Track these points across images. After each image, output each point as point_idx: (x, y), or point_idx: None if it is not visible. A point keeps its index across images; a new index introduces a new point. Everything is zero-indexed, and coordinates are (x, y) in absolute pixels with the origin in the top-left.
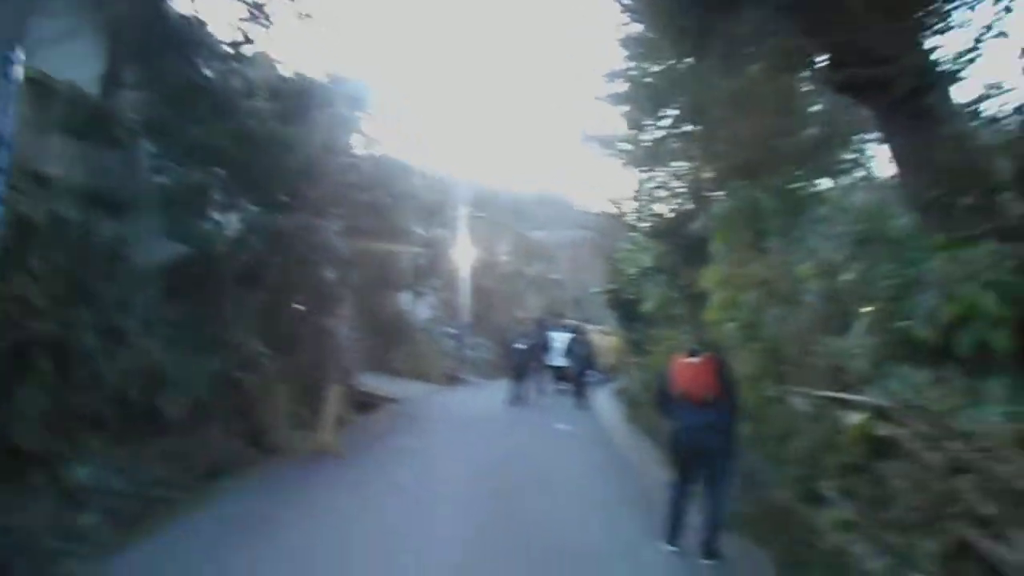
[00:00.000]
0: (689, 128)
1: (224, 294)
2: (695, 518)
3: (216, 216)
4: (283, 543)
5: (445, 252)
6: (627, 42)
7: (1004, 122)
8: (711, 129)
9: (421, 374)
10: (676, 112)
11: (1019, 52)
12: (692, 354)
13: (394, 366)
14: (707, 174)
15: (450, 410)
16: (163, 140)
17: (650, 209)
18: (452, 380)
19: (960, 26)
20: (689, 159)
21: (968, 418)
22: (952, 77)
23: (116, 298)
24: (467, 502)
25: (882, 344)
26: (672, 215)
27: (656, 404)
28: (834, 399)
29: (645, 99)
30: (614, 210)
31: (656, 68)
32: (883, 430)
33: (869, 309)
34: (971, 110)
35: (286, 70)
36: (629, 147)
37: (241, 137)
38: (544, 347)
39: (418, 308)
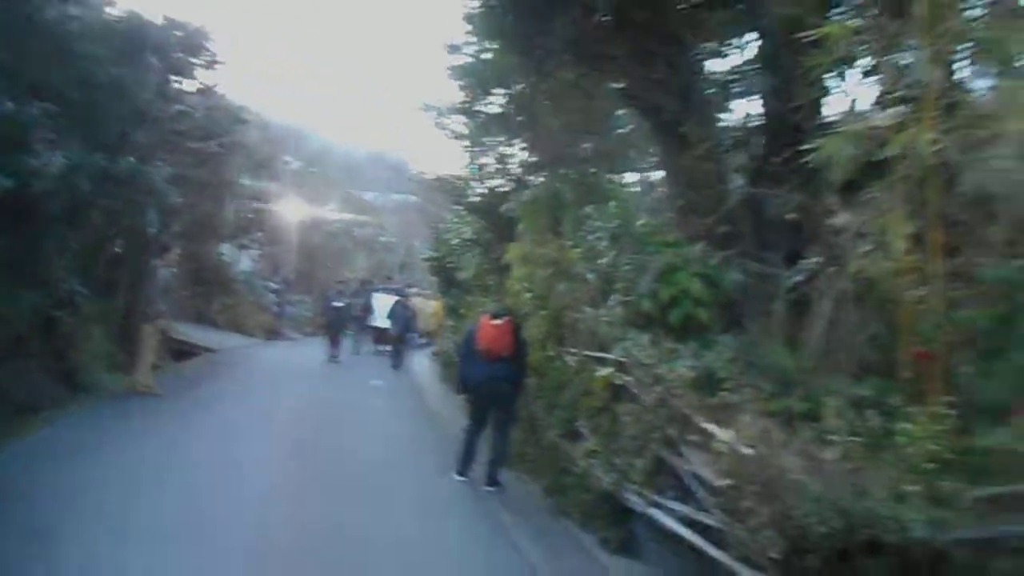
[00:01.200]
0: (513, 114)
1: (46, 232)
2: (482, 455)
3: (43, 153)
4: (104, 465)
5: (272, 205)
6: (471, 18)
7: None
8: (530, 120)
9: (240, 327)
10: (504, 98)
11: None
12: (495, 317)
13: (213, 317)
14: (525, 160)
15: (267, 362)
16: None
17: (472, 186)
18: (271, 334)
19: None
20: (510, 144)
21: (666, 369)
22: (712, 105)
23: None
24: (280, 440)
25: (624, 315)
26: (490, 194)
27: (460, 357)
28: (593, 357)
29: (479, 78)
30: (442, 180)
31: (491, 49)
32: (620, 380)
33: (617, 288)
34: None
35: (119, 10)
36: (463, 120)
37: (73, 78)
38: (367, 307)
39: (241, 261)
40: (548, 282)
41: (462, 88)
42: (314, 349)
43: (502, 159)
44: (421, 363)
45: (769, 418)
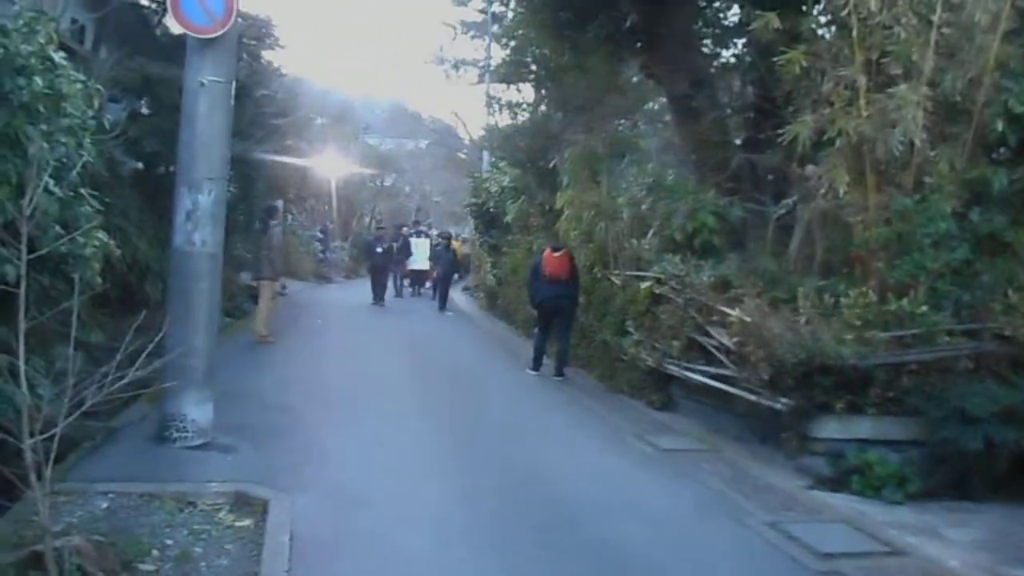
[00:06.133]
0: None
1: None
2: (550, 356)
3: None
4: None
5: (307, 161)
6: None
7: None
8: (558, 86)
9: (292, 272)
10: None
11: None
12: (555, 250)
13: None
14: (554, 118)
15: (334, 302)
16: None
17: (508, 142)
18: (321, 278)
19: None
20: (536, 105)
21: (693, 278)
22: (715, 80)
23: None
24: (383, 353)
25: (660, 244)
26: (528, 149)
27: (529, 282)
28: (635, 276)
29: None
30: (464, 129)
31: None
32: (658, 290)
33: (654, 224)
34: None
35: None
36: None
37: None
38: (406, 251)
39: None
40: (593, 222)
41: (504, 47)
42: (364, 290)
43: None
44: (457, 297)
45: (762, 302)
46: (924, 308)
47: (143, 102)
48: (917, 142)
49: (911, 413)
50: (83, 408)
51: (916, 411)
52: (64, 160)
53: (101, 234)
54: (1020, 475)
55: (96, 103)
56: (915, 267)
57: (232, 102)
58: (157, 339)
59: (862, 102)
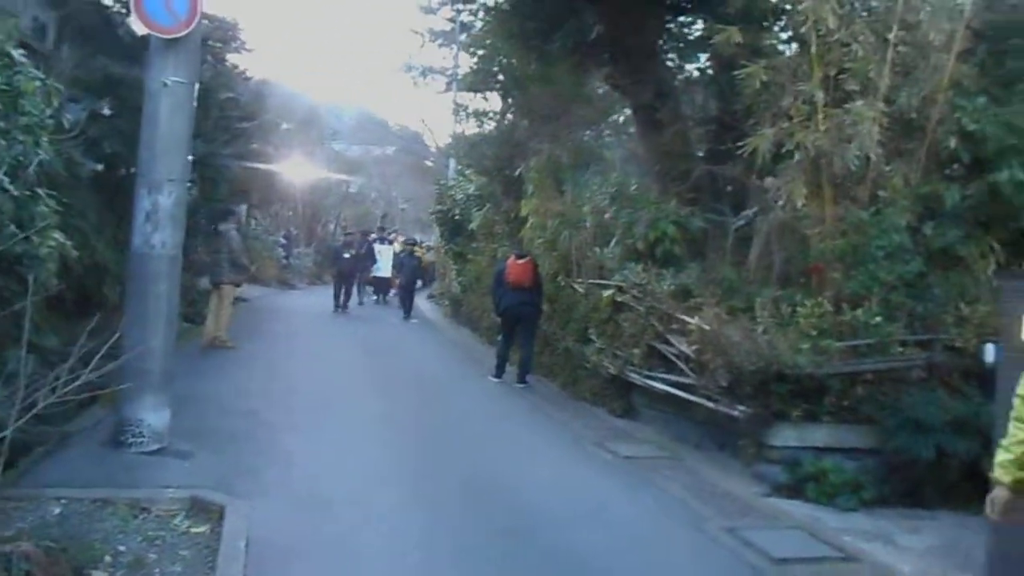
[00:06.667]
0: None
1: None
2: (513, 363)
3: None
4: (232, 377)
5: (272, 165)
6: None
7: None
8: (524, 95)
9: (256, 278)
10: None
11: None
12: (520, 257)
13: None
14: (520, 126)
15: (296, 308)
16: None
17: (475, 150)
18: (284, 284)
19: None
20: (503, 113)
21: (654, 286)
22: (680, 97)
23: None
24: (348, 360)
25: (622, 252)
26: (496, 157)
27: (492, 289)
28: (597, 284)
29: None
30: (431, 136)
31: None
32: (620, 298)
33: (617, 233)
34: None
35: None
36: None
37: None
38: (370, 258)
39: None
40: (557, 230)
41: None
42: (328, 296)
43: (498, 128)
44: (421, 303)
45: (721, 311)
46: (878, 319)
47: (104, 103)
48: (873, 157)
49: (865, 422)
50: (35, 411)
51: (870, 420)
52: (20, 159)
53: (57, 234)
54: (970, 483)
55: (55, 102)
56: (869, 279)
57: (195, 104)
58: (112, 341)
59: (820, 117)
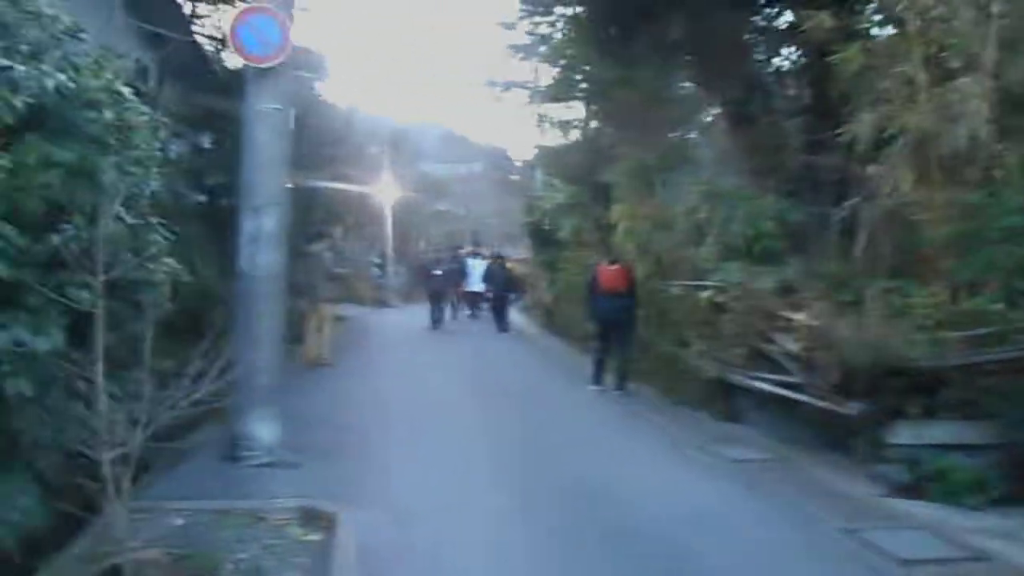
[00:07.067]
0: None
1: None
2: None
3: None
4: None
5: (363, 188)
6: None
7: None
8: (607, 101)
9: (353, 298)
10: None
11: None
12: (612, 263)
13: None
14: (604, 133)
15: (394, 325)
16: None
17: (561, 159)
18: (380, 303)
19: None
20: (587, 121)
21: (756, 285)
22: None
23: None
24: (444, 373)
25: (718, 252)
26: (579, 164)
27: (585, 297)
28: (694, 285)
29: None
30: (515, 150)
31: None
32: (719, 299)
33: (711, 233)
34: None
35: None
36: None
37: None
38: (462, 273)
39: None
40: (649, 233)
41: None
42: (422, 314)
43: (584, 135)
44: (515, 316)
45: (828, 305)
46: (999, 306)
47: (205, 137)
48: (983, 135)
49: (988, 416)
50: (154, 427)
51: (994, 414)
52: (134, 190)
53: (170, 260)
54: None
55: (161, 135)
56: (987, 264)
57: (291, 128)
58: (224, 358)
59: (923, 97)
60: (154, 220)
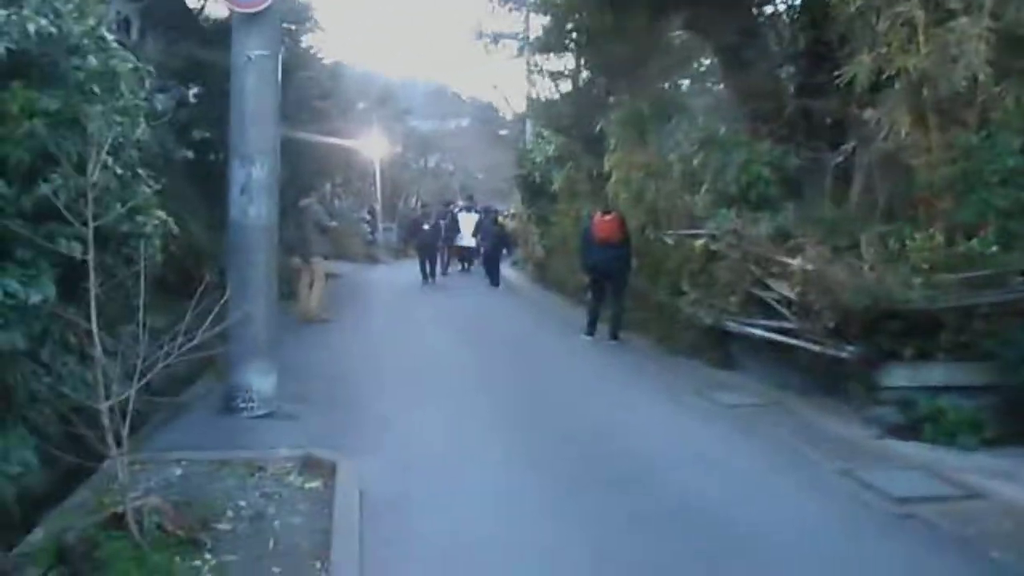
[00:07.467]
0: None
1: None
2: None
3: None
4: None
5: (352, 144)
6: None
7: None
8: (599, 50)
9: (343, 254)
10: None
11: None
12: (606, 213)
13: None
14: (597, 83)
15: (386, 282)
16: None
17: (552, 110)
18: (371, 259)
19: None
20: (578, 71)
21: (751, 232)
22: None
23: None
24: (438, 327)
25: (713, 199)
26: (571, 114)
27: (580, 247)
28: (688, 234)
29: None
30: (505, 104)
31: None
32: (713, 246)
33: (706, 180)
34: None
35: None
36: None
37: None
38: (453, 228)
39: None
40: (642, 183)
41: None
42: (414, 269)
43: (575, 85)
44: (505, 270)
45: (824, 250)
46: (995, 248)
47: (190, 90)
48: (981, 77)
49: (983, 358)
50: (148, 377)
51: (990, 355)
52: (121, 139)
53: (160, 212)
54: None
55: (147, 84)
56: (983, 207)
57: (279, 76)
58: (217, 308)
59: (921, 39)
60: (142, 172)
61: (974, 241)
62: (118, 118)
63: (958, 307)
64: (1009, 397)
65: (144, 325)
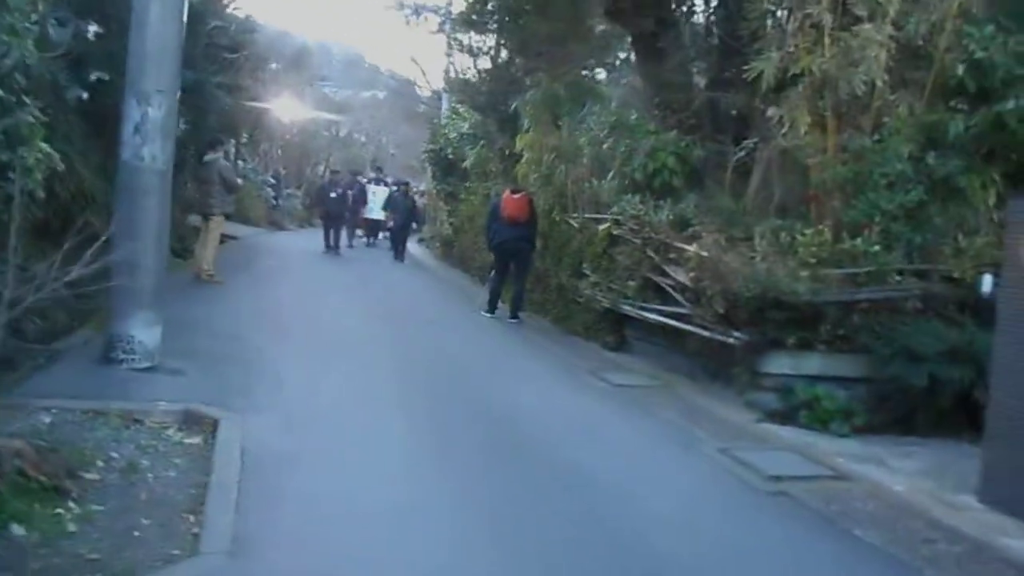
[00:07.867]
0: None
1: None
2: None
3: None
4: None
5: (261, 105)
6: None
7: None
8: (519, 30)
9: (245, 218)
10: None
11: None
12: (515, 192)
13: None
14: (515, 63)
15: (287, 247)
16: None
17: (469, 86)
18: (273, 225)
19: None
20: (497, 49)
21: (652, 217)
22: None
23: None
24: (338, 297)
25: (619, 185)
26: (490, 93)
27: (487, 223)
28: (593, 218)
29: None
30: (423, 79)
31: None
32: (616, 231)
33: (614, 166)
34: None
35: None
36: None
37: None
38: (362, 199)
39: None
40: (553, 165)
41: None
42: (318, 238)
43: (494, 63)
44: (413, 248)
45: (720, 238)
46: (877, 248)
47: (90, 26)
48: (879, 83)
49: (860, 350)
50: (24, 303)
51: (865, 349)
52: (6, 61)
53: (44, 145)
54: (962, 411)
55: (40, 7)
56: (870, 207)
57: (185, 13)
58: (97, 245)
59: (827, 41)
60: (29, 100)
61: (859, 240)
62: (4, 37)
63: (839, 301)
64: (880, 389)
65: (15, 255)
